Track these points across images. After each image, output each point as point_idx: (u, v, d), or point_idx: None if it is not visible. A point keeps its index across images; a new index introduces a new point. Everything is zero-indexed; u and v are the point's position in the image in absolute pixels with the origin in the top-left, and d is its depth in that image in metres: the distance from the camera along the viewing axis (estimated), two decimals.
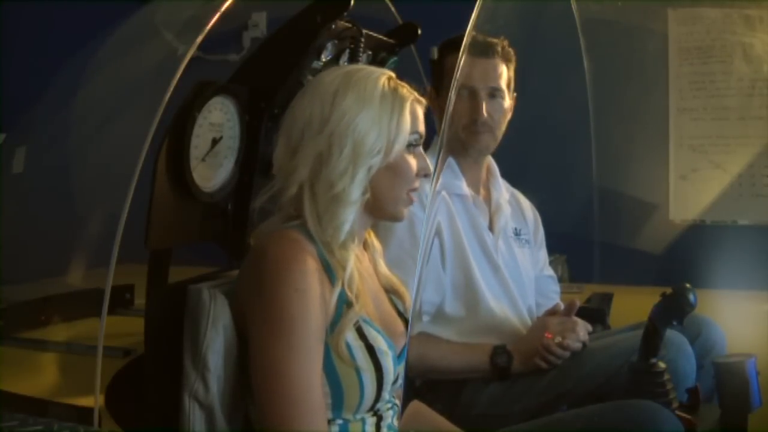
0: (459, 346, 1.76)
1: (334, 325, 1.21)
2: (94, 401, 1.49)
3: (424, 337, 1.76)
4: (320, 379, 1.19)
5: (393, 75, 1.32)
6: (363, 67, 1.34)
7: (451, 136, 1.82)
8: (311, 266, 1.19)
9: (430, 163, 1.33)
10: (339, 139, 1.24)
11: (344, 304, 1.22)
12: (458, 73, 1.72)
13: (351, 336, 1.21)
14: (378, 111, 1.25)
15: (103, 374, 1.49)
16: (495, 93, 1.83)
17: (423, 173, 1.32)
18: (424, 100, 1.34)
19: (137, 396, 1.34)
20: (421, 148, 1.32)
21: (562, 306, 1.81)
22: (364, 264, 1.36)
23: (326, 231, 1.24)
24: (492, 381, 1.73)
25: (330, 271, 1.23)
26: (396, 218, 1.34)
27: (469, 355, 1.74)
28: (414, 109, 1.30)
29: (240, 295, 1.25)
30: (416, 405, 1.46)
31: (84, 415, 1.66)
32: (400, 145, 1.27)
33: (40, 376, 2.20)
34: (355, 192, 1.24)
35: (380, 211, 1.31)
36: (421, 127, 1.32)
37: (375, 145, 1.25)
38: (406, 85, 1.31)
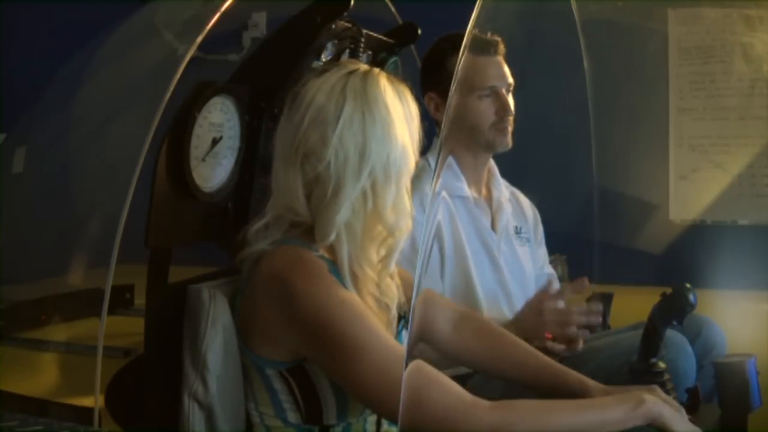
0: None
1: None
2: (94, 401, 1.49)
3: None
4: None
5: (388, 75, 1.25)
6: (368, 78, 1.22)
7: (468, 139, 1.83)
8: (333, 278, 1.16)
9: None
10: (383, 175, 1.19)
11: None
12: (472, 74, 1.74)
13: None
14: (400, 129, 1.21)
15: (103, 374, 1.49)
16: (509, 89, 1.85)
17: None
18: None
19: (137, 396, 1.34)
20: None
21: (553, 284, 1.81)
22: None
23: (370, 267, 1.21)
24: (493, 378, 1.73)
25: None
26: None
27: None
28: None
29: (251, 314, 1.20)
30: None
31: (84, 415, 1.66)
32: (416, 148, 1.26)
33: (40, 376, 2.20)
34: (403, 218, 1.22)
35: None
36: None
37: (409, 167, 1.23)
38: (396, 78, 1.26)
